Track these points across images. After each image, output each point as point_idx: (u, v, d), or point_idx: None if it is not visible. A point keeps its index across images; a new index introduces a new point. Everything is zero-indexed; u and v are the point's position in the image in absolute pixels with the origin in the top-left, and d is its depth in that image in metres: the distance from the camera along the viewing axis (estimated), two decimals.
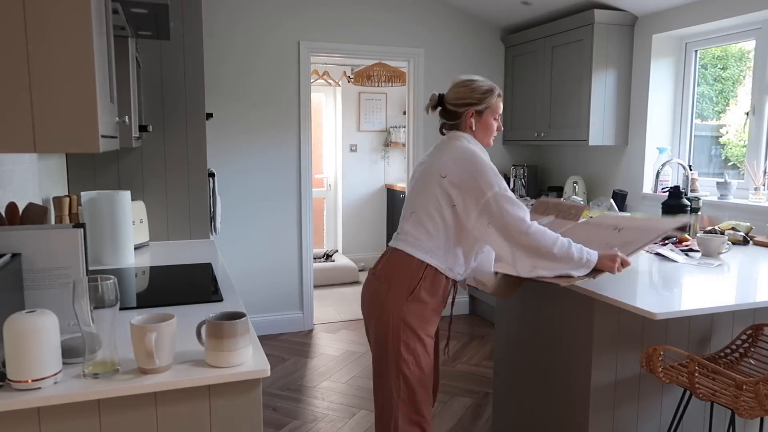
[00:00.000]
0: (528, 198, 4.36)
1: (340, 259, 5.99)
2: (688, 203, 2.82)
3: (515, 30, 4.54)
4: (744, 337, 2.00)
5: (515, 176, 4.60)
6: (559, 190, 4.34)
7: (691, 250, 2.52)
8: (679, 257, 2.36)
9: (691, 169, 3.40)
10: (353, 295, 5.35)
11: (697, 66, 3.66)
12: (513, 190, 4.60)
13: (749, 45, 3.35)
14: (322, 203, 6.61)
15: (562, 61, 3.99)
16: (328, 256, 6.11)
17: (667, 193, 3.32)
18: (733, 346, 2.02)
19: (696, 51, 3.65)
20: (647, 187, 3.75)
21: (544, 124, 4.18)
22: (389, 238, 6.49)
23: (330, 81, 6.12)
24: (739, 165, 3.45)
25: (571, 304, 2.03)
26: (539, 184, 4.68)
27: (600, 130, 3.78)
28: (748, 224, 2.82)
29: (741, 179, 3.35)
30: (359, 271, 6.06)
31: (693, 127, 3.70)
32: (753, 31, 3.24)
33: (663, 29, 3.58)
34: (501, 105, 2.02)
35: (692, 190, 3.33)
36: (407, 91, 4.54)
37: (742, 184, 3.31)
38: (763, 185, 3.11)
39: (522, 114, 4.45)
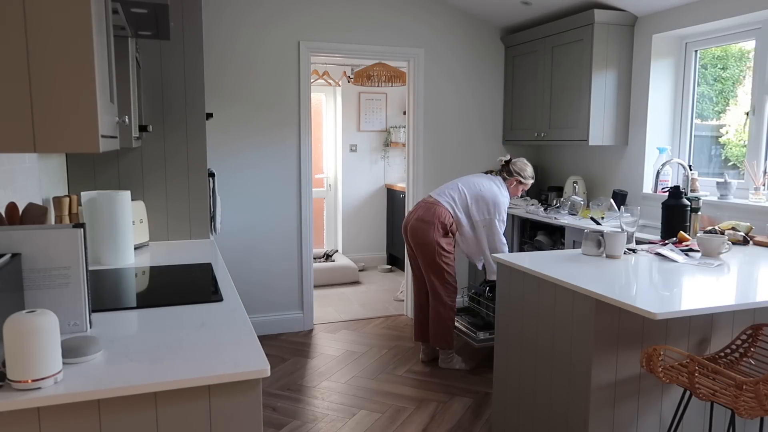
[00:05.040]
0: (528, 198, 4.36)
1: (340, 259, 5.99)
2: (688, 203, 2.82)
3: (515, 30, 4.54)
4: (744, 337, 2.00)
5: None
6: (558, 190, 4.34)
7: (691, 250, 2.52)
8: (679, 257, 2.36)
9: (691, 169, 3.40)
10: (353, 295, 5.35)
11: (697, 66, 3.66)
12: None
13: (749, 45, 3.35)
14: (322, 203, 6.61)
15: (562, 61, 3.99)
16: (328, 256, 6.11)
17: (667, 193, 3.32)
18: (733, 346, 2.02)
19: (696, 51, 3.65)
20: (647, 187, 3.75)
21: (544, 124, 4.18)
22: (389, 238, 6.50)
23: (330, 81, 6.12)
24: (739, 165, 3.45)
25: (572, 304, 2.03)
26: (539, 184, 4.68)
27: (600, 130, 3.78)
28: (748, 224, 2.82)
29: (741, 179, 3.34)
30: (359, 271, 6.06)
31: (693, 127, 3.70)
32: (753, 31, 3.24)
33: (663, 29, 3.58)
34: (528, 185, 3.66)
35: (692, 190, 3.34)
36: (407, 91, 4.54)
37: (742, 184, 3.31)
38: (763, 185, 3.11)
39: (522, 114, 4.45)
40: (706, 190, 3.46)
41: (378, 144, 6.52)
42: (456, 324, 3.74)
